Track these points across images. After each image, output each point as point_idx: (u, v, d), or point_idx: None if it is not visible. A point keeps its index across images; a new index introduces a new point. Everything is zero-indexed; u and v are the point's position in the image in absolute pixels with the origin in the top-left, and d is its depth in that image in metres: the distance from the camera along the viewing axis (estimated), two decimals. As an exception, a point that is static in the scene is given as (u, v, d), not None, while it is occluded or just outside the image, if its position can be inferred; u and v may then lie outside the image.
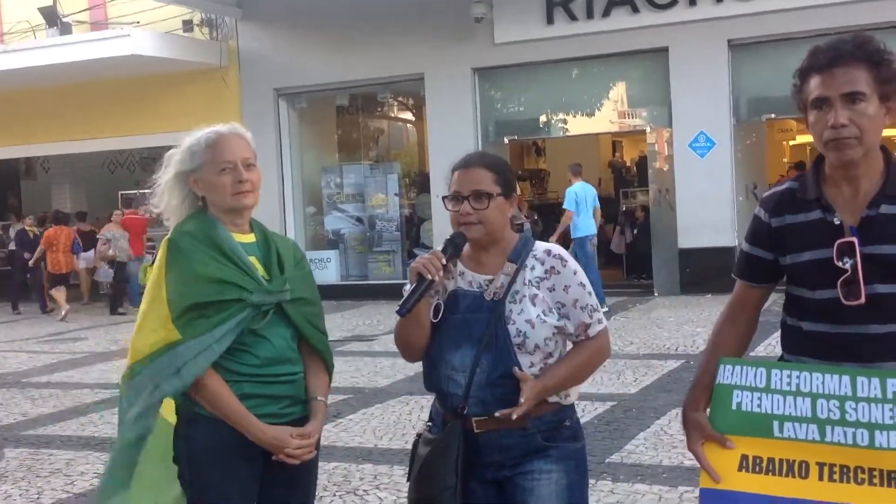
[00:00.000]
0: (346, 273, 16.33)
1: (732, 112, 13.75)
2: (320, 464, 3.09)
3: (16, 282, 17.35)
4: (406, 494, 2.81)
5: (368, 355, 10.10)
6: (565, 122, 15.11)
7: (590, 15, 14.10)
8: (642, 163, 17.20)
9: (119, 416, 2.87)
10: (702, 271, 13.36)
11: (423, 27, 14.96)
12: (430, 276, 2.59)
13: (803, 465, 2.33)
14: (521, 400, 2.57)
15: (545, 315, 2.65)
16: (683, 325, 11.01)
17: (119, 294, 16.22)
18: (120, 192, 19.25)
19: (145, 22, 16.08)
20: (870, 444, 2.25)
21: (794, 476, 2.34)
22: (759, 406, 2.38)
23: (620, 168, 20.85)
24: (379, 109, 17.70)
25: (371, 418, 7.19)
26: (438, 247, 2.71)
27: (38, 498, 5.63)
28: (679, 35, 13.66)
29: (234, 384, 2.75)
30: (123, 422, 2.82)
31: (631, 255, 16.62)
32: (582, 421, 2.85)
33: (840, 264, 2.34)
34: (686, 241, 13.82)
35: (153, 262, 2.91)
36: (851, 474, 2.29)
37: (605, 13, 14.02)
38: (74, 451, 6.67)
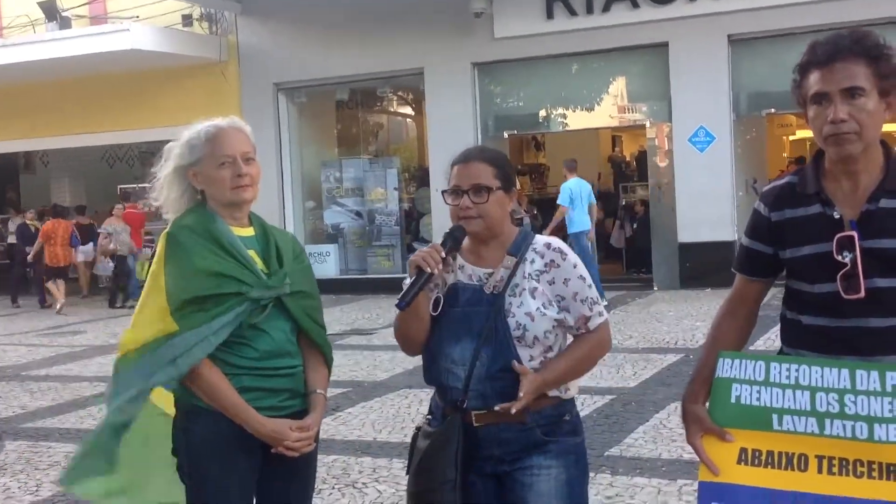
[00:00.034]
0: (345, 267, 16.33)
1: (732, 107, 13.75)
2: (319, 457, 3.10)
3: (15, 275, 17.36)
4: (405, 487, 2.81)
5: (367, 349, 10.11)
6: (565, 116, 15.10)
7: (589, 10, 14.08)
8: (642, 157, 17.19)
9: (106, 400, 2.88)
10: (701, 266, 13.37)
11: (422, 22, 14.94)
12: (429, 269, 2.59)
13: (802, 458, 2.34)
14: (520, 394, 2.57)
15: (545, 308, 2.65)
16: (683, 319, 11.02)
17: (120, 288, 16.21)
18: (119, 187, 19.24)
19: (144, 16, 16.06)
20: (869, 437, 2.26)
21: (793, 469, 2.34)
22: (759, 399, 2.38)
23: (620, 163, 20.86)
24: (378, 104, 17.69)
25: (370, 412, 7.20)
26: (438, 240, 2.71)
27: (36, 490, 5.64)
28: (679, 30, 13.65)
29: (233, 377, 2.75)
30: (110, 407, 2.83)
31: (630, 250, 16.62)
32: (581, 414, 2.85)
33: (840, 258, 2.34)
34: (686, 235, 13.83)
35: (152, 257, 2.91)
36: (850, 467, 2.29)
37: (605, 8, 14.00)
38: (73, 444, 6.66)
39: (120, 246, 16.02)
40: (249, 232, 2.91)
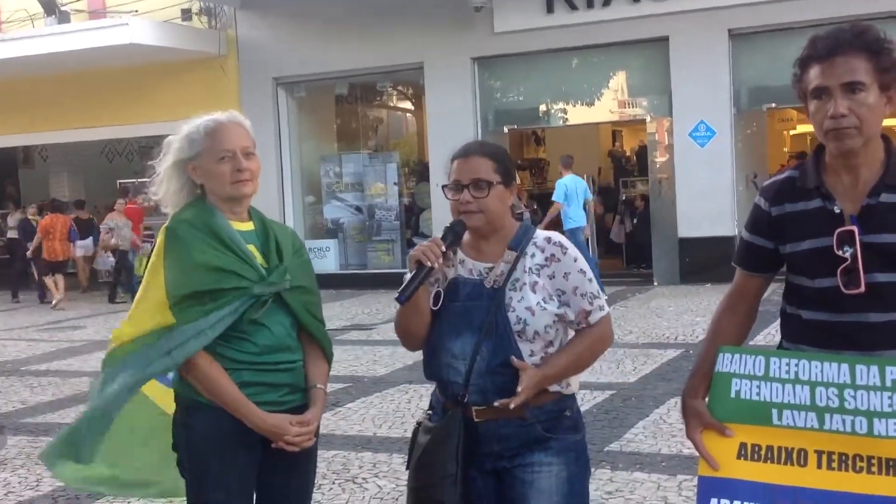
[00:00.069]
0: (345, 262, 16.34)
1: (733, 101, 13.74)
2: (319, 452, 3.10)
3: (16, 270, 17.36)
4: (405, 482, 2.81)
5: (367, 344, 10.11)
6: (565, 111, 15.09)
7: (590, 4, 14.07)
8: (642, 152, 17.18)
9: (95, 389, 2.89)
10: (701, 261, 13.37)
11: (422, 16, 14.93)
12: (429, 264, 2.59)
13: (802, 452, 2.34)
14: (519, 389, 2.56)
15: (545, 302, 2.64)
16: (683, 314, 11.03)
17: (122, 282, 16.20)
18: (118, 181, 19.23)
19: (143, 11, 16.05)
20: (868, 431, 2.26)
21: (792, 464, 2.34)
22: (758, 394, 2.38)
23: (620, 157, 20.85)
24: (378, 98, 17.68)
25: (370, 407, 7.20)
26: (438, 235, 2.70)
27: (37, 485, 5.64)
28: (679, 24, 13.64)
29: (233, 372, 2.75)
30: (100, 395, 2.83)
31: (631, 245, 16.63)
32: (581, 410, 2.85)
33: (840, 253, 2.34)
34: (686, 230, 13.83)
35: (151, 251, 2.91)
36: (850, 462, 2.29)
37: (606, 2, 13.99)
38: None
39: (122, 241, 16.03)
40: (249, 226, 2.90)
